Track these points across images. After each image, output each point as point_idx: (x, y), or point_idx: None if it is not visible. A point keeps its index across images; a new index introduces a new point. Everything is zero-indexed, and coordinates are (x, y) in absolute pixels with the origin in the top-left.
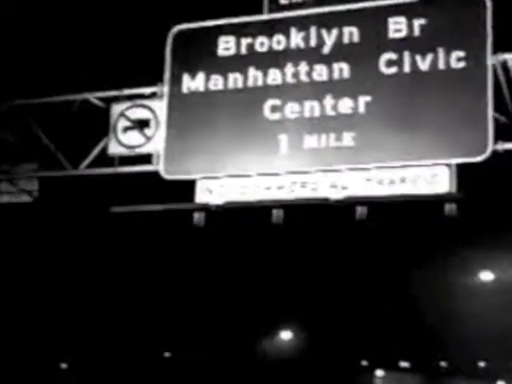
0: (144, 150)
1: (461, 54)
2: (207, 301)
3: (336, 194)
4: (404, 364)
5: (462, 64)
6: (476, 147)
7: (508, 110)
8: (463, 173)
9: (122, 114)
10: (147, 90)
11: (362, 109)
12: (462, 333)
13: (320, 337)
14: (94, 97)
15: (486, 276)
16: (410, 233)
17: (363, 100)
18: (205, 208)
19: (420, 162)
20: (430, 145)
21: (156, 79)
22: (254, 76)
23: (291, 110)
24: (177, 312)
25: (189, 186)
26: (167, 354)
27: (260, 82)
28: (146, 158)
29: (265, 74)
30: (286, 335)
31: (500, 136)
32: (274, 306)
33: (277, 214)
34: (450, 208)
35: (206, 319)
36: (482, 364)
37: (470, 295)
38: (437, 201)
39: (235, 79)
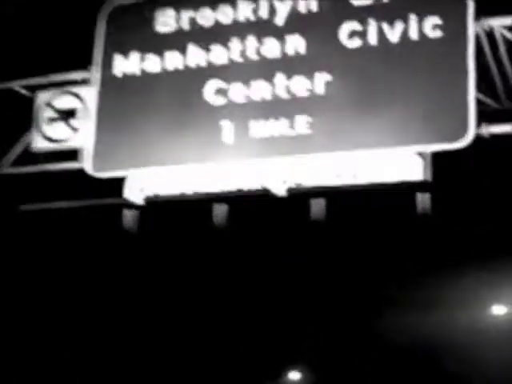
0: (71, 144)
1: (436, 21)
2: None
3: (285, 188)
4: None
5: (437, 33)
6: (454, 131)
7: (495, 86)
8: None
9: (47, 104)
10: (78, 76)
11: (320, 90)
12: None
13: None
14: (18, 85)
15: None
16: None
17: (322, 79)
18: (130, 204)
19: (388, 149)
20: (399, 129)
21: (89, 63)
22: (196, 54)
23: (237, 92)
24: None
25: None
26: None
27: (202, 62)
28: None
29: (208, 52)
30: (294, 376)
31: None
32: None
33: (219, 210)
34: (423, 201)
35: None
36: None
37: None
38: (406, 189)
39: (174, 59)
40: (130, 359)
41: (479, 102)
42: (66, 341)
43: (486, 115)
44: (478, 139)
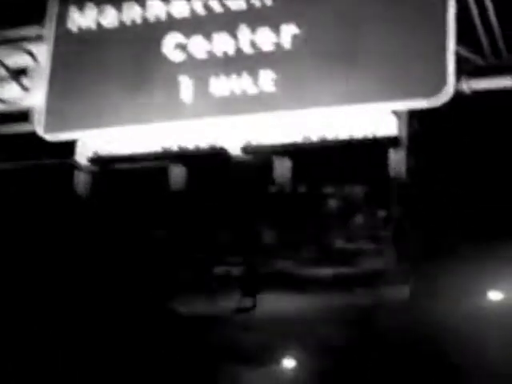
0: (23, 105)
1: None
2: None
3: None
4: None
5: None
6: (431, 86)
7: (479, 40)
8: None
9: None
10: (32, 32)
11: (286, 44)
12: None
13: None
14: None
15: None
16: None
17: (289, 32)
18: (82, 167)
19: (358, 105)
20: (370, 85)
21: (44, 18)
22: (155, 6)
23: (198, 47)
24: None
25: None
26: None
27: (162, 14)
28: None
29: (168, 4)
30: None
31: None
32: None
33: (177, 173)
34: (396, 161)
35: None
36: None
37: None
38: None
39: (132, 11)
40: (81, 330)
41: (462, 59)
42: (13, 311)
43: (469, 71)
44: (459, 96)
